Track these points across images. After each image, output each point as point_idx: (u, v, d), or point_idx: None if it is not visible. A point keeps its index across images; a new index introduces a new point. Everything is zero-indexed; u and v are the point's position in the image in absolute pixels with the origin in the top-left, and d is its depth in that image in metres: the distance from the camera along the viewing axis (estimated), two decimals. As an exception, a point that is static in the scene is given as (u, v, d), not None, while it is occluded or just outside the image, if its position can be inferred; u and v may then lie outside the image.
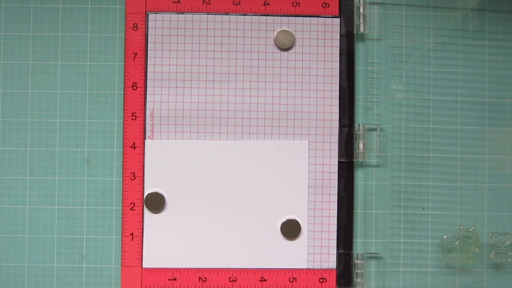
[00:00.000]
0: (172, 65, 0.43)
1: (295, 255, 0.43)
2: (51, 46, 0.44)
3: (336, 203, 0.43)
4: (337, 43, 0.44)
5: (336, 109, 0.44)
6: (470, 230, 0.43)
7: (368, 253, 0.44)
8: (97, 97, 0.44)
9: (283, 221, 0.43)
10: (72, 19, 0.44)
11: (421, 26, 0.44)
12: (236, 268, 0.43)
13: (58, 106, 0.44)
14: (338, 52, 0.44)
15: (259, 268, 0.43)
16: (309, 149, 0.44)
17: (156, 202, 0.43)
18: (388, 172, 0.44)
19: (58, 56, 0.44)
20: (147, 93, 0.43)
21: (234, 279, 0.43)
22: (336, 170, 0.44)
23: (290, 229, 0.43)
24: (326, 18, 0.44)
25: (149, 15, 0.44)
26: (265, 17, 0.44)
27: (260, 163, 0.43)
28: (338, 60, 0.44)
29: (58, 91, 0.44)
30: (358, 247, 0.44)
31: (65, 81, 0.44)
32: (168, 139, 0.43)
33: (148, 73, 0.43)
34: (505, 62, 0.44)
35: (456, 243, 0.43)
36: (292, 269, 0.43)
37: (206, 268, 0.43)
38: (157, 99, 0.43)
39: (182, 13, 0.44)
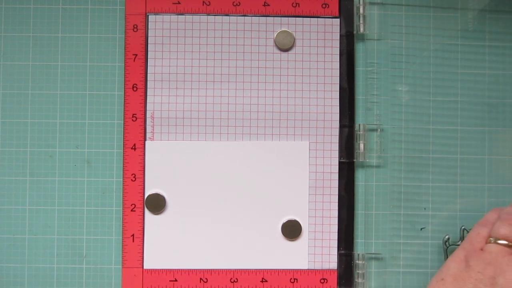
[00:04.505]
0: (172, 66, 0.43)
1: (296, 256, 0.43)
2: (51, 47, 0.44)
3: (336, 204, 0.43)
4: (337, 43, 0.44)
5: (336, 109, 0.44)
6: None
7: (369, 253, 0.44)
8: (97, 98, 0.44)
9: (284, 221, 0.43)
10: (72, 20, 0.44)
11: (421, 27, 0.44)
12: (237, 269, 0.43)
13: (58, 107, 0.43)
14: (338, 52, 0.44)
15: (260, 269, 0.43)
16: (309, 149, 0.44)
17: (157, 203, 0.43)
18: (389, 173, 0.44)
19: (58, 57, 0.44)
20: (148, 94, 0.43)
21: (235, 280, 0.43)
22: (337, 171, 0.44)
23: (291, 230, 0.43)
24: (326, 19, 0.44)
25: (149, 16, 0.44)
26: (265, 17, 0.44)
27: (260, 163, 0.43)
28: (338, 60, 0.44)
29: (58, 92, 0.43)
30: (359, 248, 0.44)
31: (65, 82, 0.44)
32: (168, 140, 0.43)
33: (148, 74, 0.43)
34: (505, 62, 0.44)
35: (458, 243, 0.43)
36: (293, 269, 0.43)
37: (207, 269, 0.43)
38: (157, 100, 0.43)
39: (182, 14, 0.44)
